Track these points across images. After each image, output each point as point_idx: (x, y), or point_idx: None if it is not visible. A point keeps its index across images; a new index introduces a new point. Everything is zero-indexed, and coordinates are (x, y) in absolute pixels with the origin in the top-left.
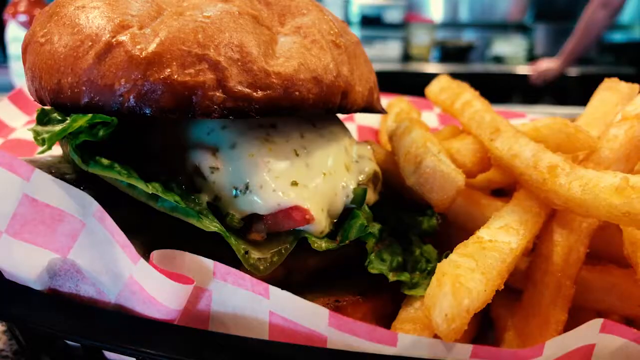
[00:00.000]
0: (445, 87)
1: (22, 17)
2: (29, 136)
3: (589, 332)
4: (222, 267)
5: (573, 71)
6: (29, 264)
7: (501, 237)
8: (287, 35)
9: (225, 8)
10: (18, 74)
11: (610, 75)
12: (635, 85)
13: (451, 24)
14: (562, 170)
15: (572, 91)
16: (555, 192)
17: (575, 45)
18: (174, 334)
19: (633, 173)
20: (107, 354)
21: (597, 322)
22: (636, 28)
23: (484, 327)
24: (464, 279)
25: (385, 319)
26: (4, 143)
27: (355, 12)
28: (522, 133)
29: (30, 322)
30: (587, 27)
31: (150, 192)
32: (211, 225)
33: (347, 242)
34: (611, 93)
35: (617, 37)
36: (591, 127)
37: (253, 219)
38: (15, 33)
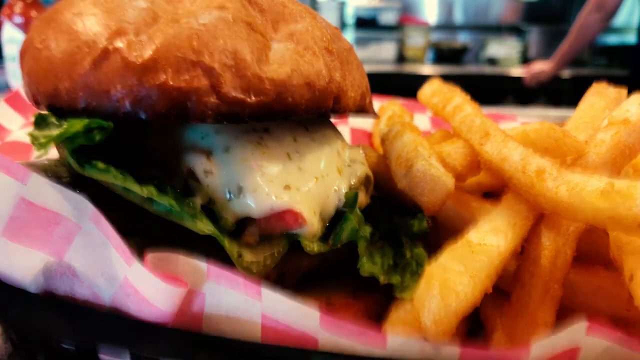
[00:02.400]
0: (436, 91)
1: (18, 19)
2: (26, 139)
3: (575, 334)
4: (215, 269)
5: (566, 73)
6: (25, 267)
7: (490, 240)
8: (280, 41)
9: (220, 15)
10: (14, 74)
11: (603, 78)
12: (623, 90)
13: (446, 26)
14: (549, 174)
15: (565, 93)
16: (543, 195)
17: (569, 47)
18: (168, 335)
19: (619, 177)
20: (102, 354)
21: (583, 325)
22: (629, 31)
23: (474, 328)
24: (452, 282)
25: (377, 319)
26: (1, 146)
27: (350, 14)
28: (511, 137)
29: (26, 324)
30: (581, 30)
31: (145, 196)
32: (205, 228)
33: (339, 244)
34: (599, 97)
35: (610, 39)
36: (579, 132)
37: (246, 222)
38: (10, 34)
